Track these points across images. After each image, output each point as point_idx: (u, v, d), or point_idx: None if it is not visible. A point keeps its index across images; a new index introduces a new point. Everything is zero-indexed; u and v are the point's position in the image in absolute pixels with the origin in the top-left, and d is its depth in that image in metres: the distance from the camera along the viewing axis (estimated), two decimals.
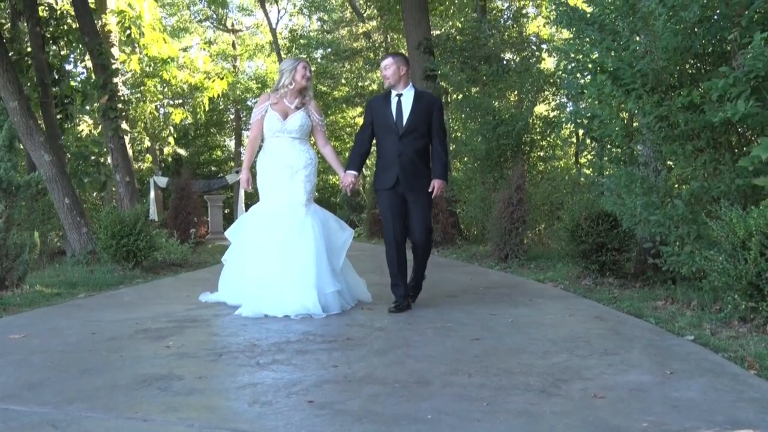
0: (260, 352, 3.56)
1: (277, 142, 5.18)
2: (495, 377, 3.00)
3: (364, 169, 18.66)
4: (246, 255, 5.15)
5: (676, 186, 5.50)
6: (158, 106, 20.04)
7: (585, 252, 6.35)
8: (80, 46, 12.89)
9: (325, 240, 5.01)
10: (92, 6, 12.74)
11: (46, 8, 12.99)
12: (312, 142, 5.47)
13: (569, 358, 3.36)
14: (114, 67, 11.92)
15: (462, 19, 16.93)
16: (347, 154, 13.98)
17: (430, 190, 4.91)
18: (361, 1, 24.20)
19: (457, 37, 14.81)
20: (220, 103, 27.58)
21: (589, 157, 10.30)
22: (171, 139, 20.66)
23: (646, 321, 4.40)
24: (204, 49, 26.10)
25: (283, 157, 5.14)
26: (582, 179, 10.40)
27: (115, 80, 11.81)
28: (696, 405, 2.58)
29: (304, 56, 25.49)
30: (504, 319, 4.53)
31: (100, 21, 13.24)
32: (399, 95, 5.05)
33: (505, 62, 14.05)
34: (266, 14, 27.69)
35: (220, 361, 3.37)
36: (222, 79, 18.47)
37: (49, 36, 12.87)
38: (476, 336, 3.95)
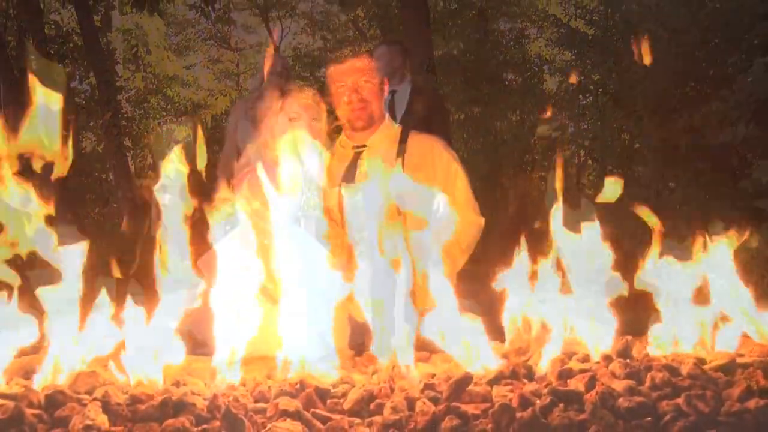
0: None
1: None
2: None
3: None
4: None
5: (677, 207, 5.49)
6: (161, 123, 20.15)
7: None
8: (85, 63, 12.99)
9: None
10: (98, 24, 12.86)
11: (53, 26, 13.09)
12: None
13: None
14: (117, 84, 11.99)
15: (465, 41, 17.01)
16: None
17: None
18: (365, 21, 24.37)
19: (460, 58, 14.89)
20: (223, 121, 27.70)
21: (590, 177, 10.30)
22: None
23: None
24: (208, 68, 26.28)
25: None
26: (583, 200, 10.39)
27: (118, 97, 11.86)
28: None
29: (307, 74, 25.62)
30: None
31: (105, 38, 13.33)
32: (392, 92, 4.04)
33: (506, 82, 14.11)
34: (270, 33, 27.90)
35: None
36: (225, 96, 18.57)
37: (54, 53, 12.96)
38: None
